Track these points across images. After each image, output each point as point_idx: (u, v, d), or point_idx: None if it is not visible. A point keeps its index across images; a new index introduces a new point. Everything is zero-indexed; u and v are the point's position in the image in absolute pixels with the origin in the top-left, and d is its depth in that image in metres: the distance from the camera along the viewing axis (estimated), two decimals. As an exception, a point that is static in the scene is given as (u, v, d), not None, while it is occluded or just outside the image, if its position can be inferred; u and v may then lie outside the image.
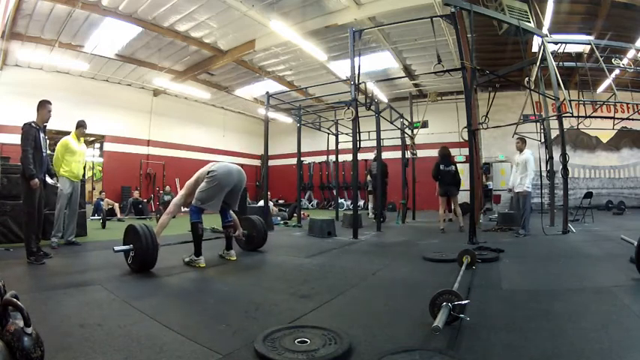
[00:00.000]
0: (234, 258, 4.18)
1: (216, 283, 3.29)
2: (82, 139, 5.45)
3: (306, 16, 9.22)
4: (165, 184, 13.87)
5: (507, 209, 9.59)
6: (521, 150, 6.47)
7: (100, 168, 15.22)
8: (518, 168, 6.46)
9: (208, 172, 3.92)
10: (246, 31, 10.08)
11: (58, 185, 4.99)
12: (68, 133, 5.39)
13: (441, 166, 7.14)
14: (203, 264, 3.81)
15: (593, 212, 8.93)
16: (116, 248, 3.52)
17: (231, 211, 4.36)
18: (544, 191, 10.06)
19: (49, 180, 4.47)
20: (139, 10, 8.80)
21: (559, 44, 7.15)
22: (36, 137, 4.10)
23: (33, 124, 4.14)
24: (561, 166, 6.61)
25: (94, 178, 16.14)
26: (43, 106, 4.26)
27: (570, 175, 7.85)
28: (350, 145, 7.12)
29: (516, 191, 6.42)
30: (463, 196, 7.97)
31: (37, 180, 3.97)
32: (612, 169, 13.61)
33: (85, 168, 5.81)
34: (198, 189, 3.91)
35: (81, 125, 5.35)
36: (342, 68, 11.42)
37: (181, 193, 4.05)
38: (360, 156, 8.45)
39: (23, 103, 9.03)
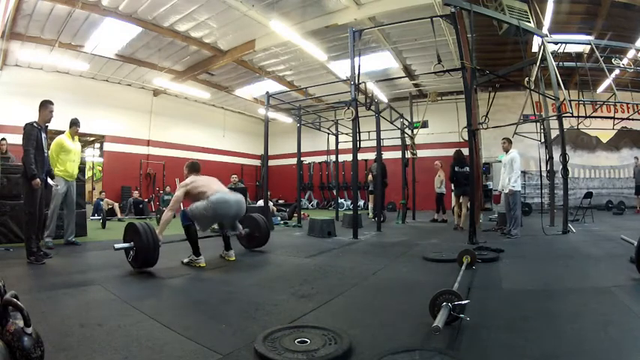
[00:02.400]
0: (234, 258, 4.17)
1: (217, 283, 3.29)
2: (76, 137, 5.37)
3: (306, 16, 9.21)
4: (166, 184, 13.86)
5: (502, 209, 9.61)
6: (507, 150, 6.41)
7: (100, 168, 15.22)
8: (505, 169, 6.41)
9: (208, 198, 3.82)
10: (246, 31, 10.07)
11: (58, 186, 4.96)
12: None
13: (456, 168, 7.34)
14: (203, 263, 3.81)
15: (593, 212, 8.92)
16: (116, 246, 3.53)
17: None
18: (544, 191, 10.08)
19: (49, 181, 4.46)
20: (139, 10, 8.80)
21: (559, 44, 7.16)
22: (38, 137, 4.09)
23: (35, 124, 4.12)
24: (561, 166, 6.62)
25: (94, 178, 16.14)
26: (45, 106, 4.24)
27: (570, 175, 7.86)
28: (350, 145, 7.12)
29: (505, 192, 6.39)
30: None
31: (38, 180, 3.96)
32: (612, 169, 13.61)
33: (84, 168, 5.77)
34: (196, 204, 3.85)
35: (74, 123, 5.26)
36: (342, 68, 11.41)
37: (180, 192, 3.94)
38: (360, 156, 8.45)
39: (23, 103, 9.04)
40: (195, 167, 4.24)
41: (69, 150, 5.15)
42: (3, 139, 7.07)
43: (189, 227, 3.87)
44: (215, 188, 3.98)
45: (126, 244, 3.52)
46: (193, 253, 3.87)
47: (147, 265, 3.44)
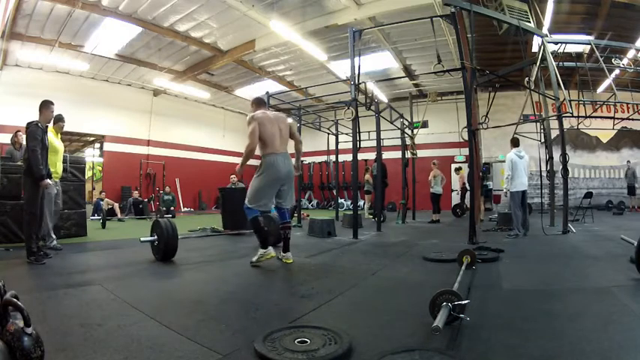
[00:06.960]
0: (291, 260, 3.86)
1: (217, 283, 3.29)
2: (59, 134, 5.00)
3: (306, 16, 9.22)
4: (166, 184, 13.87)
5: (507, 209, 9.64)
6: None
7: (100, 168, 15.22)
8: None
9: (263, 155, 3.67)
10: (246, 31, 10.08)
11: (57, 186, 4.89)
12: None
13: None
14: (272, 254, 3.72)
15: (593, 212, 8.92)
16: (142, 239, 3.95)
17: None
18: (544, 191, 10.08)
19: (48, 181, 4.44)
20: (139, 10, 8.81)
21: (559, 44, 7.15)
22: (42, 137, 4.08)
23: (39, 124, 4.07)
24: (561, 166, 6.61)
25: (94, 178, 16.15)
26: (47, 106, 4.21)
27: (570, 175, 7.86)
28: (350, 145, 7.11)
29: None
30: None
31: (47, 181, 3.93)
32: (612, 169, 13.62)
33: (84, 167, 5.63)
34: (250, 184, 3.76)
35: (59, 119, 4.93)
36: (342, 68, 11.42)
37: (253, 125, 3.66)
38: (360, 156, 8.45)
39: (23, 103, 9.03)
40: (261, 101, 4.07)
41: (57, 149, 4.78)
42: (18, 131, 6.91)
43: (255, 219, 3.71)
44: (275, 147, 3.73)
45: (151, 238, 3.96)
46: (260, 245, 3.73)
47: (168, 256, 3.86)
